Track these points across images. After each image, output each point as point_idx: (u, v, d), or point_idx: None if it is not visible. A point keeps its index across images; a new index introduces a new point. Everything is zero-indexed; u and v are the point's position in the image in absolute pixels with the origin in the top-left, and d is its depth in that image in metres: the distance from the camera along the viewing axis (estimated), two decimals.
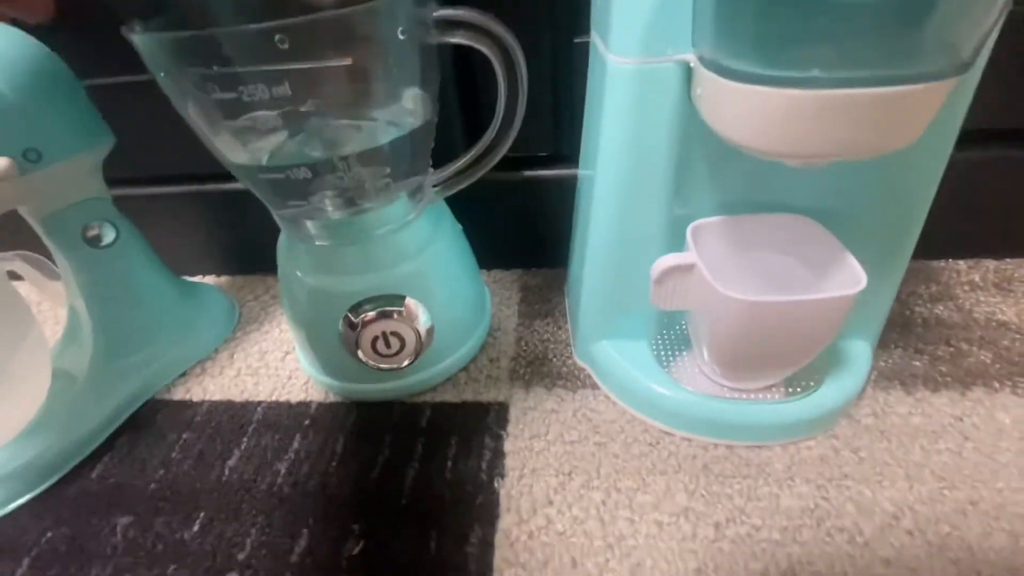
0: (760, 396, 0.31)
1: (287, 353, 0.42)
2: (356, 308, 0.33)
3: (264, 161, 0.28)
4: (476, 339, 0.39)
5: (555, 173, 0.43)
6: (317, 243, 0.32)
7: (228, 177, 0.31)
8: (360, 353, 0.34)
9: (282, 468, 0.34)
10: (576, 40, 0.37)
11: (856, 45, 0.19)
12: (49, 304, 0.50)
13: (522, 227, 0.47)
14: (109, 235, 0.37)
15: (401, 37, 0.25)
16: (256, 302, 0.48)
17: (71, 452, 0.36)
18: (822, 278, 0.28)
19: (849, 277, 0.26)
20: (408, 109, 0.30)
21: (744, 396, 0.31)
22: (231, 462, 0.35)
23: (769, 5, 0.19)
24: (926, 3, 0.18)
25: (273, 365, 0.41)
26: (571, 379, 0.37)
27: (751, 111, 0.21)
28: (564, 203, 0.41)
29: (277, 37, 0.22)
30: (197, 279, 0.52)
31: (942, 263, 0.44)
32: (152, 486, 0.34)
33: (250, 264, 0.52)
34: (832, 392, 0.31)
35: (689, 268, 0.28)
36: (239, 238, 0.51)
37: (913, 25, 0.18)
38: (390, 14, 0.24)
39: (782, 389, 0.31)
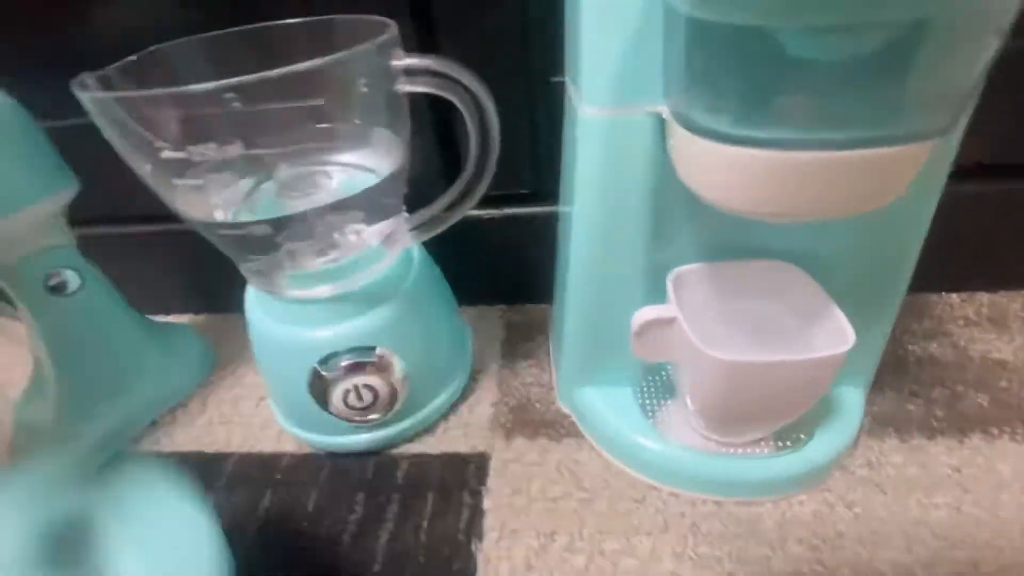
0: (749, 450, 0.30)
1: (261, 399, 0.41)
2: (325, 361, 0.31)
3: (224, 217, 0.27)
4: (456, 385, 0.38)
5: (537, 210, 0.42)
6: (284, 294, 0.31)
7: None
8: (331, 407, 0.32)
9: (252, 528, 0.32)
10: (552, 80, 0.36)
11: (831, 106, 0.18)
12: (12, 346, 0.48)
13: (506, 263, 0.46)
14: (73, 283, 0.35)
15: (364, 89, 0.24)
16: (233, 343, 0.47)
17: None
18: (809, 329, 0.27)
19: (837, 332, 0.25)
20: (379, 155, 0.29)
21: (732, 450, 0.30)
22: None
23: (740, 64, 0.18)
24: (900, 64, 0.17)
25: (247, 413, 0.40)
26: (554, 427, 0.36)
27: (722, 170, 0.20)
28: (547, 239, 0.40)
29: (227, 96, 0.21)
30: (173, 318, 0.51)
31: (934, 296, 0.43)
32: None
33: (228, 302, 0.50)
34: (823, 445, 0.30)
35: (670, 321, 0.26)
36: (217, 276, 0.49)
37: (890, 86, 0.17)
38: (348, 68, 0.23)
39: (772, 443, 0.30)
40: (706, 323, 0.27)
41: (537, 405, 0.38)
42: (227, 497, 0.34)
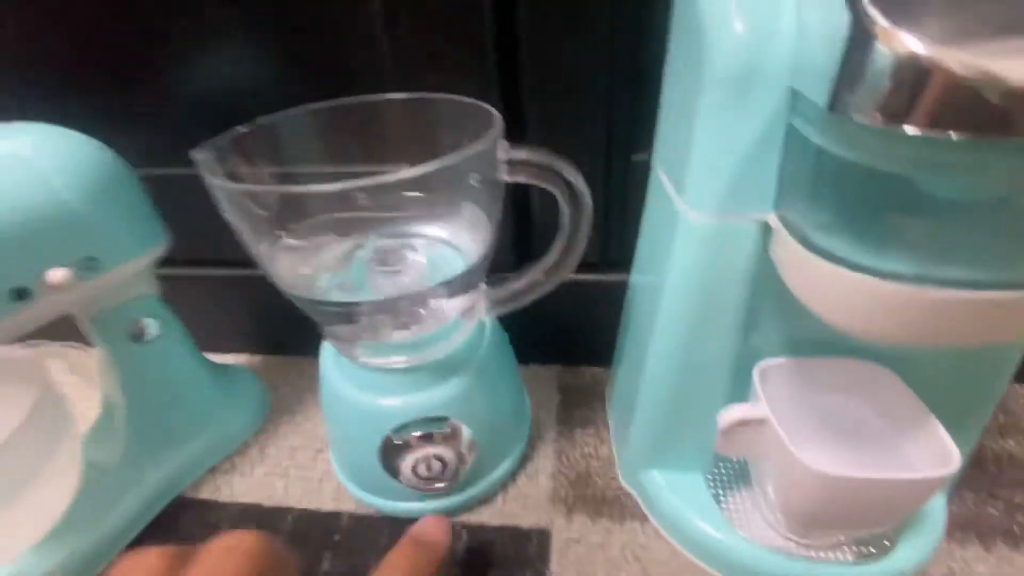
0: (828, 555, 0.29)
1: (319, 452, 0.41)
2: (398, 430, 0.31)
3: (322, 296, 0.28)
4: (516, 454, 0.38)
5: (602, 278, 0.42)
6: (361, 361, 0.31)
7: None
8: (400, 476, 0.32)
9: None
10: (634, 158, 0.37)
11: (963, 245, 0.18)
12: (82, 380, 0.49)
13: (564, 325, 0.46)
14: (154, 330, 0.36)
15: (475, 185, 0.25)
16: (289, 388, 0.47)
17: (97, 556, 0.34)
18: (903, 438, 0.26)
19: (939, 450, 0.24)
20: (468, 234, 0.30)
21: (811, 553, 0.29)
22: None
23: (870, 197, 0.18)
24: None
25: (304, 465, 0.40)
26: (617, 505, 0.35)
27: (837, 292, 0.20)
28: (609, 306, 0.40)
29: (359, 197, 0.21)
30: (229, 357, 0.52)
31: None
32: None
33: (285, 345, 0.51)
34: (907, 553, 0.29)
35: (760, 422, 0.26)
36: (275, 318, 0.50)
37: None
38: (468, 166, 0.24)
39: (853, 548, 0.29)
40: (791, 420, 0.26)
41: (597, 480, 0.37)
42: None
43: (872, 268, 0.19)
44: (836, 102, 0.18)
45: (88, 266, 0.30)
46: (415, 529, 0.28)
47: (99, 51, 0.37)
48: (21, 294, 0.28)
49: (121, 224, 0.32)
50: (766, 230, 0.24)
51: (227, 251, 0.45)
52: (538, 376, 0.46)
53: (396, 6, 0.32)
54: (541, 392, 0.45)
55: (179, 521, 0.37)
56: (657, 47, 0.29)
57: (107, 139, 0.33)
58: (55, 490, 0.33)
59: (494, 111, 0.27)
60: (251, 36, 0.35)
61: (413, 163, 0.24)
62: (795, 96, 0.20)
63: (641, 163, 0.36)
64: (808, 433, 0.28)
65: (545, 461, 0.39)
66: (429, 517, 0.29)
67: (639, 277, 0.35)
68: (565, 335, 0.46)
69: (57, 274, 0.29)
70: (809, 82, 0.19)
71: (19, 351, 0.34)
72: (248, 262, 0.42)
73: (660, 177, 0.30)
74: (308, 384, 0.48)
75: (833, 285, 0.20)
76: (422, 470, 0.32)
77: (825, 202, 0.20)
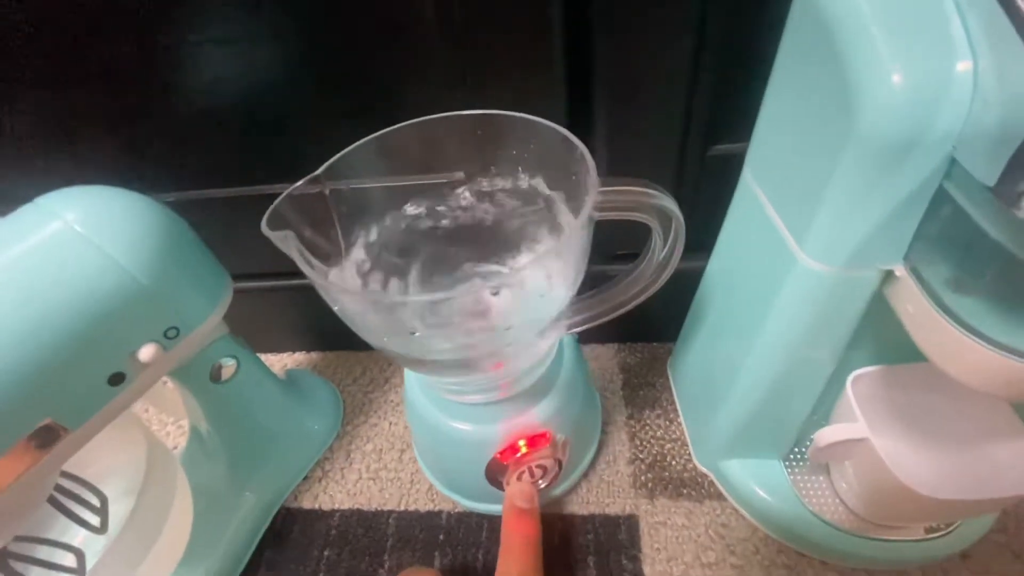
0: (900, 534, 0.32)
1: (402, 452, 0.43)
2: (503, 452, 0.33)
3: (411, 353, 0.28)
4: (595, 443, 0.40)
5: None
6: (447, 396, 0.32)
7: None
8: (503, 486, 0.34)
9: None
10: (711, 151, 0.34)
11: None
12: (164, 411, 0.50)
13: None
14: (231, 369, 0.37)
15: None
16: (355, 386, 0.49)
17: (226, 574, 0.38)
18: (989, 438, 0.28)
19: None
20: (562, 284, 0.29)
21: (883, 533, 0.32)
22: None
23: None
24: None
25: (392, 467, 0.42)
26: (695, 486, 0.38)
27: (969, 362, 0.20)
28: (671, 287, 0.40)
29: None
30: (285, 357, 0.52)
31: None
32: None
33: (340, 339, 0.52)
34: (973, 528, 0.32)
35: (858, 440, 0.28)
36: (324, 317, 0.50)
37: None
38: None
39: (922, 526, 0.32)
40: (878, 423, 0.28)
41: (673, 462, 0.40)
42: (399, 557, 0.37)
43: (1006, 345, 0.19)
44: (1004, 188, 0.16)
45: (171, 335, 0.29)
46: (515, 500, 0.33)
47: (121, 74, 0.33)
48: (116, 379, 0.28)
49: (194, 287, 0.30)
50: (887, 276, 0.23)
51: (267, 264, 0.44)
52: (599, 356, 0.48)
53: None
54: (604, 373, 0.46)
55: (291, 532, 0.40)
56: (758, 32, 0.26)
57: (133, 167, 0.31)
58: (178, 521, 0.36)
59: (587, 154, 0.25)
60: (304, 52, 0.32)
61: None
62: (954, 163, 0.18)
63: (719, 156, 0.34)
64: (895, 434, 0.30)
65: (621, 447, 0.41)
66: (515, 486, 0.34)
67: (719, 267, 0.35)
68: (624, 315, 0.47)
69: (147, 352, 0.28)
70: (976, 158, 0.17)
71: None
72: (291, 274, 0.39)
73: (754, 190, 0.29)
74: (370, 379, 0.49)
75: (962, 353, 0.20)
76: (526, 478, 0.34)
77: (967, 270, 0.20)
